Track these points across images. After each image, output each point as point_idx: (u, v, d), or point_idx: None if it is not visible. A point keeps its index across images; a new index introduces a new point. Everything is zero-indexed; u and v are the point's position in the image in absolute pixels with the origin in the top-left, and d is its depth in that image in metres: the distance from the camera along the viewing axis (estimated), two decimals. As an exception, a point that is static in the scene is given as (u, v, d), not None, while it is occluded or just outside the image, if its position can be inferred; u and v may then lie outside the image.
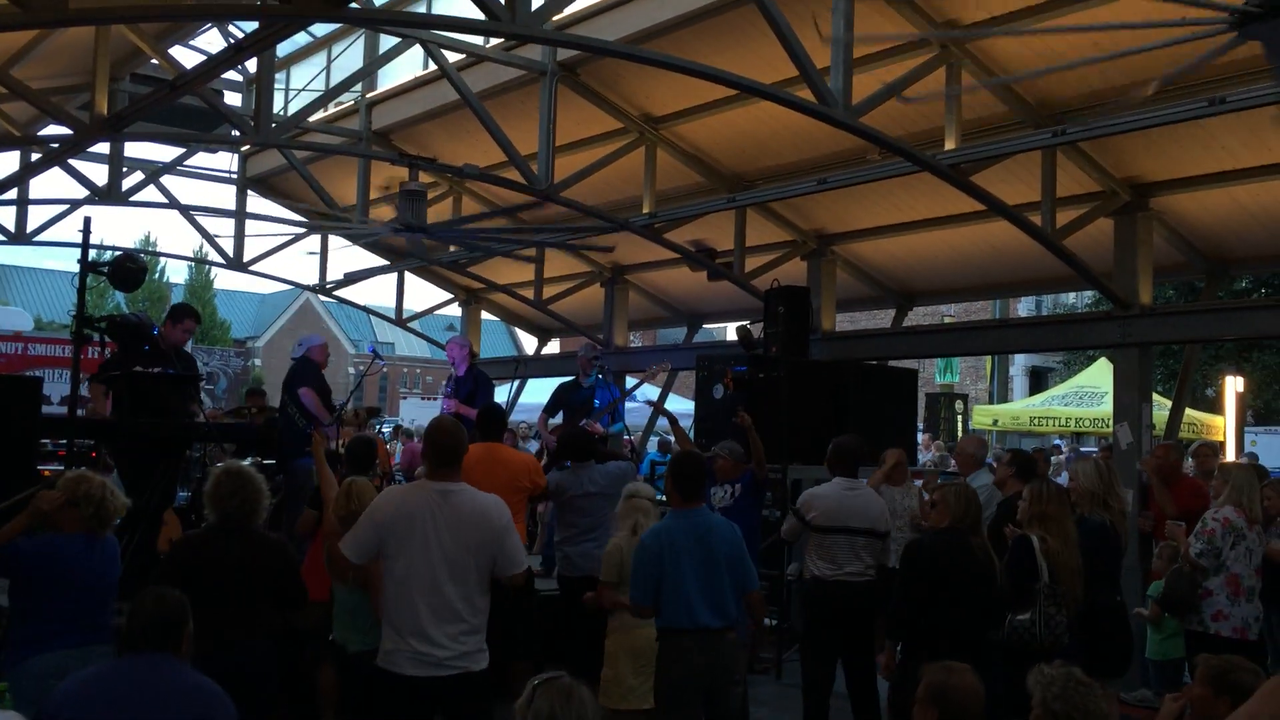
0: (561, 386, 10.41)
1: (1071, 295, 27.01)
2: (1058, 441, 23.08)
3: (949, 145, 8.33)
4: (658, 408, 9.78)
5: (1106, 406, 16.16)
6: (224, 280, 47.10)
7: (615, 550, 6.00)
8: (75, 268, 7.30)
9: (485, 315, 17.54)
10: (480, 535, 4.60)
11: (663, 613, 5.30)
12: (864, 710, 6.50)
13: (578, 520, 7.17)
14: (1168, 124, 7.74)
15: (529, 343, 18.62)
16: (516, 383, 15.05)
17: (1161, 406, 12.84)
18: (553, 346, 18.03)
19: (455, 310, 17.71)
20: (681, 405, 16.93)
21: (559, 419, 10.15)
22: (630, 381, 10.88)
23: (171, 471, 7.55)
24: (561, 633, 6.99)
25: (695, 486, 5.47)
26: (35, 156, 12.02)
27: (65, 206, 13.88)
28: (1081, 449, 21.37)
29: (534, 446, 11.09)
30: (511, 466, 7.00)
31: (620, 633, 5.93)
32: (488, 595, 4.68)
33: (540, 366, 16.27)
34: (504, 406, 9.58)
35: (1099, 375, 19.41)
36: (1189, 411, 15.43)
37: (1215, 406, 20.57)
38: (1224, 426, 17.81)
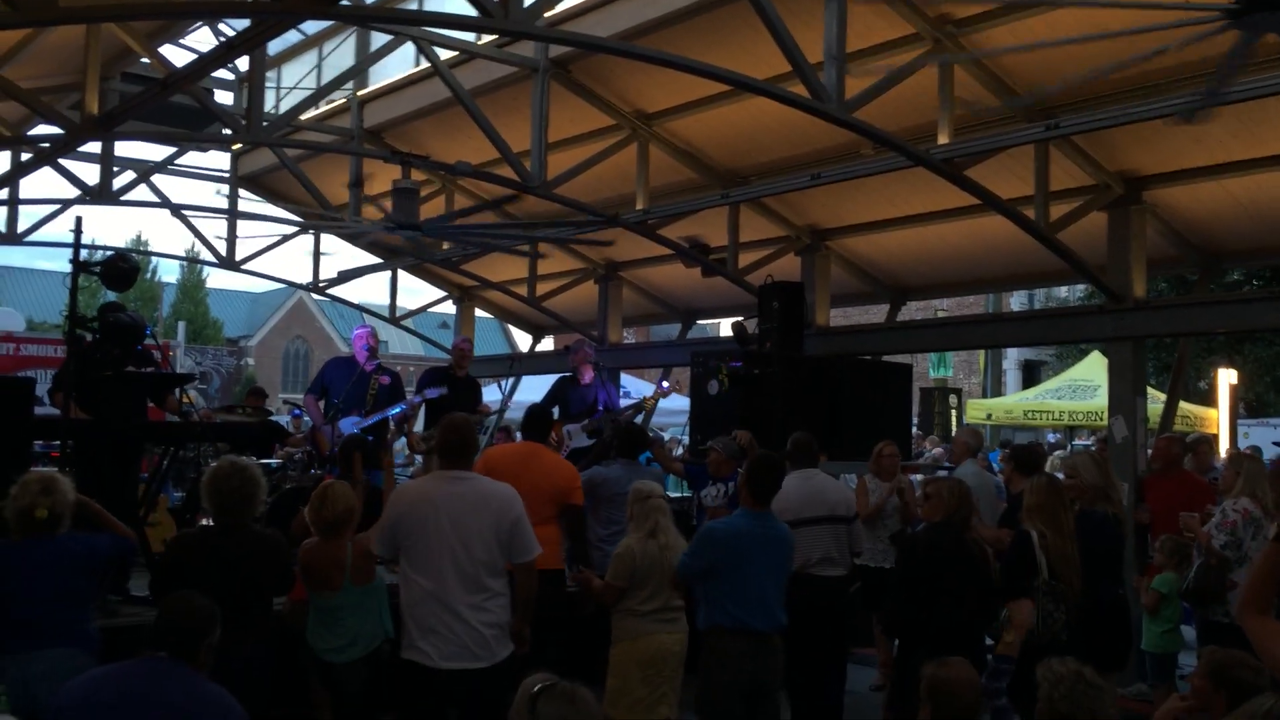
0: (559, 382, 10.36)
1: (1064, 289, 27.06)
2: (1051, 436, 23.11)
3: (942, 140, 8.32)
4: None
5: (1099, 399, 16.17)
6: (216, 279, 46.97)
7: (628, 553, 5.65)
8: (67, 268, 7.25)
9: (479, 313, 17.52)
10: (487, 521, 4.68)
11: (712, 611, 5.28)
12: (828, 715, 6.45)
13: (619, 517, 6.81)
14: (1160, 117, 7.73)
15: (522, 340, 18.57)
16: (510, 380, 15.06)
17: (1155, 400, 12.86)
18: (546, 344, 18.01)
19: (449, 308, 17.69)
20: (677, 402, 16.91)
21: (555, 415, 10.10)
22: (625, 401, 10.70)
23: (124, 473, 7.31)
24: (582, 629, 6.54)
25: (769, 490, 5.48)
26: (26, 156, 11.96)
27: (57, 206, 13.83)
28: (1075, 442, 21.44)
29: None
30: (549, 473, 6.64)
31: (626, 641, 5.66)
32: (503, 582, 4.73)
33: (534, 364, 16.25)
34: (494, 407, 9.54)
35: (1091, 368, 19.43)
36: (1182, 404, 15.43)
37: (1208, 399, 20.61)
38: (1217, 419, 17.85)
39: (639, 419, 10.58)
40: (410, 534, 4.68)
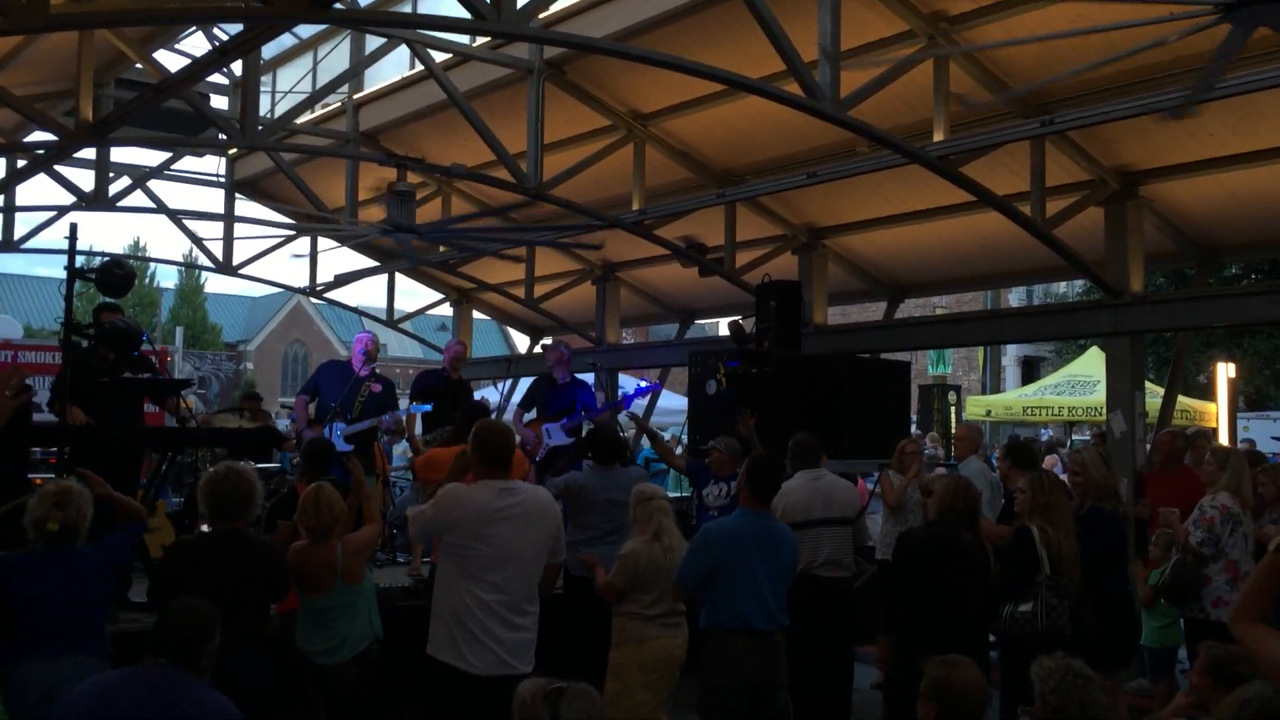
0: (536, 382, 10.41)
1: (1063, 284, 27.04)
2: (1044, 433, 23.06)
3: (938, 137, 8.32)
4: (641, 426, 9.65)
5: (1099, 395, 16.15)
6: (214, 284, 46.97)
7: (633, 556, 5.65)
8: (64, 274, 7.23)
9: (477, 315, 17.50)
10: (546, 529, 4.73)
11: (714, 611, 5.26)
12: (834, 715, 6.44)
13: (597, 523, 6.96)
14: (1156, 112, 7.72)
15: (521, 342, 18.57)
16: (509, 382, 15.01)
17: (1154, 394, 12.85)
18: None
19: (446, 310, 17.67)
20: (675, 402, 16.90)
21: (534, 415, 10.12)
22: (625, 390, 10.68)
23: (123, 478, 7.27)
24: (567, 631, 6.65)
25: (770, 489, 5.48)
26: (21, 163, 11.94)
27: (53, 213, 13.80)
28: (1074, 438, 21.41)
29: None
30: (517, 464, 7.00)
31: (630, 644, 5.64)
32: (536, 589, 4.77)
33: (532, 365, 16.21)
34: (493, 406, 9.51)
35: (1090, 364, 19.42)
36: (1181, 398, 15.43)
37: (1207, 393, 20.57)
38: (1217, 413, 17.84)
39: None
40: (464, 544, 4.59)
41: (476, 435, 4.80)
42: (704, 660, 5.33)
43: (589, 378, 10.93)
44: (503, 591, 4.56)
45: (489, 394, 16.27)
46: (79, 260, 7.27)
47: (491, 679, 4.48)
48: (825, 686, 6.45)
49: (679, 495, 10.42)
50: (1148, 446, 9.26)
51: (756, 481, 5.41)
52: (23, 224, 14.40)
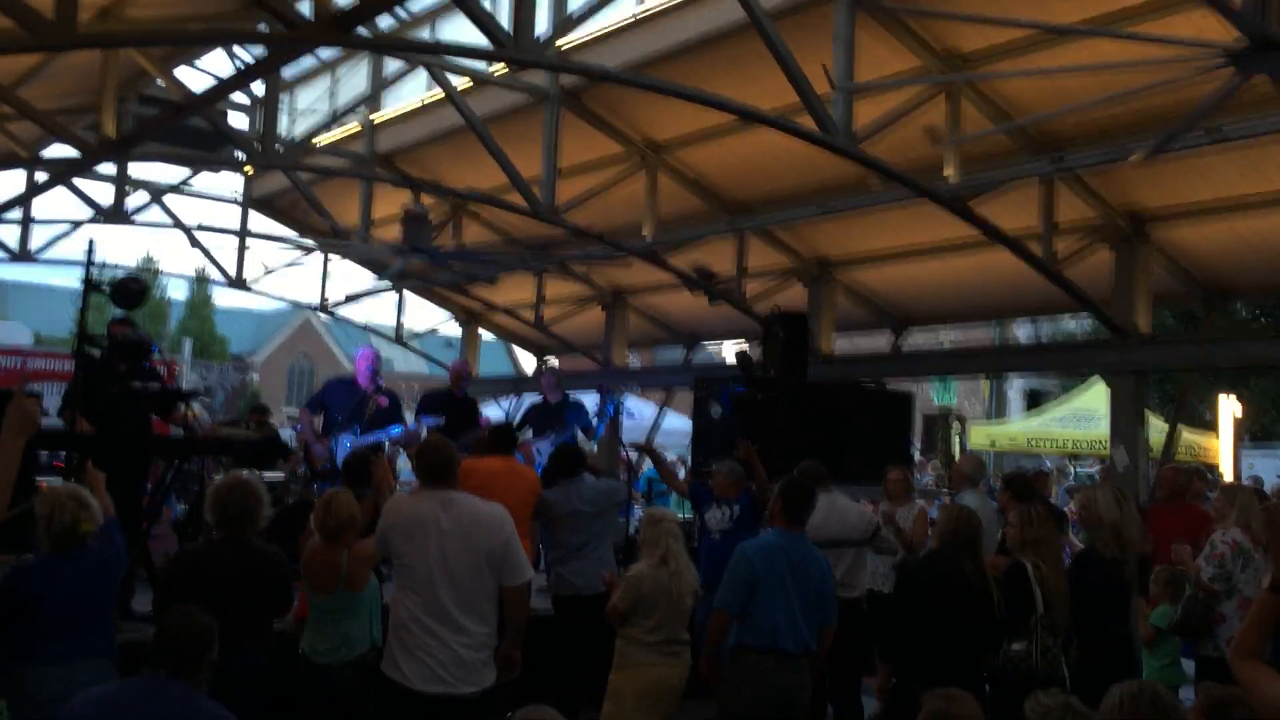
0: (532, 406, 10.52)
1: (1070, 319, 27.04)
2: (1045, 464, 23.05)
3: (949, 174, 8.40)
4: (644, 449, 9.67)
5: (1102, 428, 16.16)
6: (222, 298, 46.97)
7: (637, 579, 5.62)
8: (77, 285, 7.31)
9: (484, 335, 17.57)
10: (484, 543, 4.62)
11: (743, 630, 5.25)
12: None
13: (568, 539, 7.01)
14: (1167, 153, 7.80)
15: (527, 361, 18.61)
16: (514, 400, 15.07)
17: (1158, 430, 12.88)
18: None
19: (455, 329, 17.75)
20: (680, 423, 16.94)
21: (529, 435, 10.19)
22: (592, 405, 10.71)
23: (129, 485, 7.30)
24: (556, 652, 6.76)
25: (802, 511, 5.49)
26: (41, 177, 12.05)
27: (69, 225, 13.92)
28: (1076, 469, 21.37)
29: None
30: (527, 480, 7.21)
31: (629, 669, 5.62)
32: (495, 607, 4.67)
33: (536, 385, 16.27)
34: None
35: (1095, 397, 19.39)
36: (1186, 434, 15.44)
37: (1212, 428, 20.59)
38: (1219, 448, 17.84)
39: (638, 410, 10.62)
40: (399, 552, 4.66)
41: (418, 452, 4.99)
42: (728, 679, 5.32)
43: (590, 398, 10.97)
44: (436, 605, 4.52)
45: (492, 411, 16.34)
46: (94, 272, 7.36)
47: (429, 695, 4.45)
48: (835, 705, 6.50)
49: (680, 518, 10.41)
50: (1150, 481, 9.31)
51: (792, 504, 5.44)
52: (38, 235, 14.53)
